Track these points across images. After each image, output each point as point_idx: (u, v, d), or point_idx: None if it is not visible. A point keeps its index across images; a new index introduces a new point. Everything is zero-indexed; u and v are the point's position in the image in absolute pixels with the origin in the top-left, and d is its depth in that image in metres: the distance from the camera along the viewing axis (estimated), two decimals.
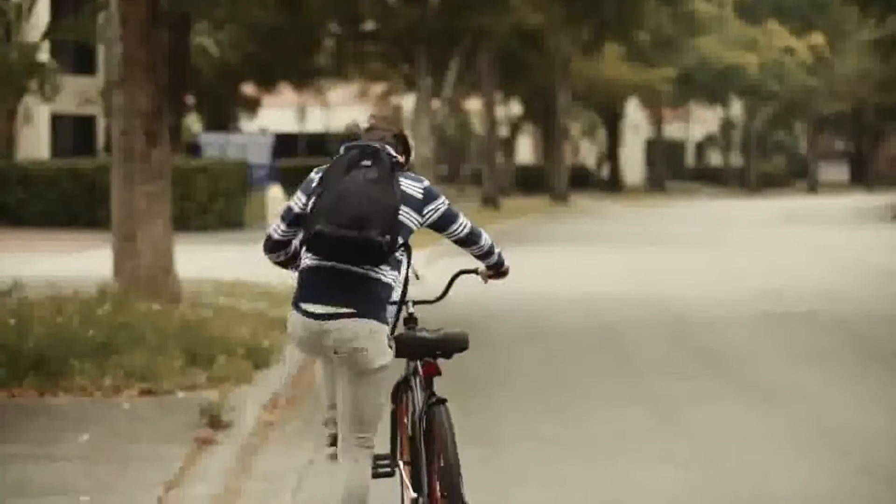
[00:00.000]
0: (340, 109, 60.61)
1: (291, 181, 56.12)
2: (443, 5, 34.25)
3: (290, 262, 5.93)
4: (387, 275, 5.68)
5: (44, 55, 36.07)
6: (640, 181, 76.24)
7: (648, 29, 51.21)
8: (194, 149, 36.81)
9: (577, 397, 10.54)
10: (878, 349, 13.37)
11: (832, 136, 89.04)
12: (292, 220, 5.78)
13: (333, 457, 6.05)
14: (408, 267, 5.79)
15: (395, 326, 5.81)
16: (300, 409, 9.98)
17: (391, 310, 5.76)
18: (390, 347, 5.68)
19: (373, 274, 5.62)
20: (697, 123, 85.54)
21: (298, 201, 5.76)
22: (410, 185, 5.76)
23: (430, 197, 5.81)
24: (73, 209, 28.70)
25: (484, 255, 6.20)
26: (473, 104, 57.14)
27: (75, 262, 19.89)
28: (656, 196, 64.39)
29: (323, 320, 5.56)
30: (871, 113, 79.50)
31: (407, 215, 5.70)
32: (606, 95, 60.93)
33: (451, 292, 6.47)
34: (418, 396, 5.98)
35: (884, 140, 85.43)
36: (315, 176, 5.77)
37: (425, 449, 5.95)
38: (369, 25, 38.95)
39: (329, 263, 5.60)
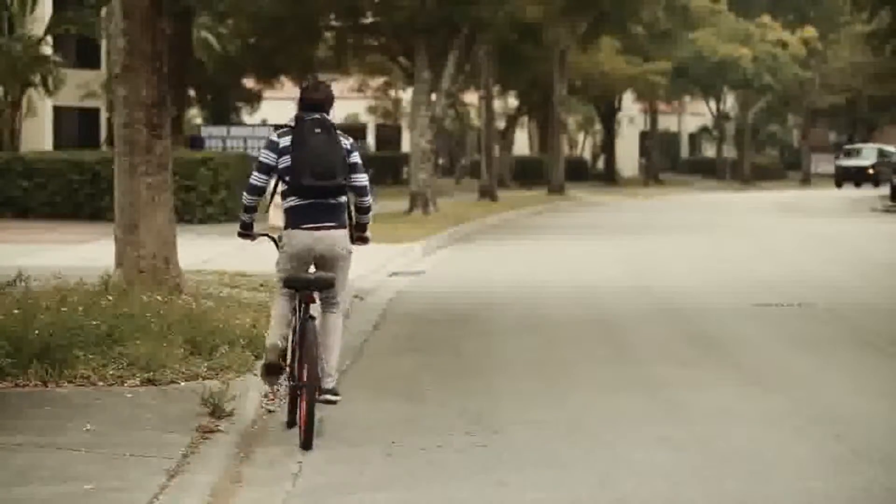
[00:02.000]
0: (340, 102, 60.62)
1: None
2: None
3: (256, 208, 8.84)
4: (343, 200, 8.74)
5: (47, 49, 36.14)
6: (635, 173, 76.28)
7: (644, 22, 51.24)
8: (195, 141, 36.84)
9: (575, 383, 10.63)
10: (873, 337, 13.46)
11: (825, 128, 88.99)
12: (265, 171, 8.68)
13: (267, 381, 8.93)
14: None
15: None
16: None
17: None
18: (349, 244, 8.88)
19: (338, 202, 8.71)
20: (692, 116, 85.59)
21: (269, 157, 8.66)
22: (343, 141, 8.69)
23: (353, 149, 8.77)
24: (77, 201, 28.77)
25: (363, 210, 8.98)
26: (471, 97, 57.17)
27: (79, 253, 19.96)
28: (652, 187, 64.51)
29: (320, 231, 8.62)
30: (864, 105, 79.49)
31: (346, 157, 8.70)
32: (603, 88, 61.00)
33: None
34: (300, 314, 8.67)
35: (876, 132, 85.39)
36: (280, 139, 8.66)
37: (299, 350, 8.59)
38: (368, 19, 38.97)
39: (315, 200, 8.61)
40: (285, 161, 8.55)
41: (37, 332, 9.86)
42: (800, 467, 7.85)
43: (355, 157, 8.74)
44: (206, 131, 38.02)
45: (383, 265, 19.80)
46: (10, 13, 35.85)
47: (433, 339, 13.27)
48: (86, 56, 43.09)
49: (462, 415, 9.38)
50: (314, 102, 8.71)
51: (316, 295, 8.66)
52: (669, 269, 20.90)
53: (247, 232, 9.06)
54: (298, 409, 8.61)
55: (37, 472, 7.34)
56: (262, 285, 15.41)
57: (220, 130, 38.00)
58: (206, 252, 20.10)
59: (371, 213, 9.06)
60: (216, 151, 32.61)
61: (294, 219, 8.61)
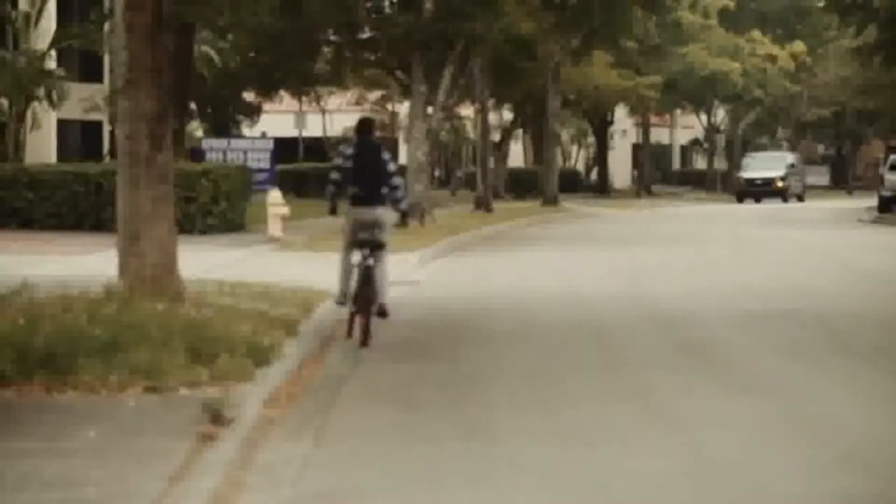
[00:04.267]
0: (338, 115, 60.78)
1: (291, 184, 55.89)
2: (437, 12, 34.47)
3: (336, 196, 13.51)
4: (383, 191, 13.33)
5: (51, 63, 36.29)
6: (628, 185, 76.42)
7: (635, 37, 51.43)
8: (196, 153, 36.98)
9: (569, 391, 10.76)
10: (855, 344, 13.63)
11: (813, 141, 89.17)
12: (338, 169, 13.51)
13: (340, 303, 13.57)
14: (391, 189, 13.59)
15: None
16: (299, 406, 10.19)
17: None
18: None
19: (378, 192, 13.29)
20: (683, 128, 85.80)
21: (340, 160, 13.59)
22: (384, 155, 13.52)
23: (389, 161, 13.48)
24: (80, 212, 28.84)
25: (396, 201, 13.52)
26: (467, 110, 57.32)
27: (82, 263, 20.03)
28: (644, 199, 64.60)
29: (366, 208, 13.28)
30: (851, 118, 79.68)
31: (386, 167, 13.47)
32: (596, 102, 61.18)
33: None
34: (362, 262, 13.21)
35: (863, 144, 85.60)
36: (348, 151, 13.60)
37: (362, 285, 13.08)
38: (366, 34, 39.17)
39: (364, 191, 13.28)
40: (348, 164, 13.36)
41: (41, 340, 9.96)
42: (785, 473, 7.97)
43: (391, 167, 13.45)
44: (206, 143, 38.14)
45: None
46: (15, 28, 36.03)
47: (429, 347, 13.41)
48: (89, 70, 43.16)
49: (458, 422, 9.49)
50: (365, 128, 13.58)
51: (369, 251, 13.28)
52: (661, 278, 21.06)
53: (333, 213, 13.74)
54: (357, 325, 12.99)
55: (40, 477, 7.41)
56: (261, 294, 15.53)
57: (220, 143, 38.12)
58: (207, 262, 20.21)
59: (405, 202, 13.77)
60: (216, 163, 32.72)
61: (353, 201, 13.30)
